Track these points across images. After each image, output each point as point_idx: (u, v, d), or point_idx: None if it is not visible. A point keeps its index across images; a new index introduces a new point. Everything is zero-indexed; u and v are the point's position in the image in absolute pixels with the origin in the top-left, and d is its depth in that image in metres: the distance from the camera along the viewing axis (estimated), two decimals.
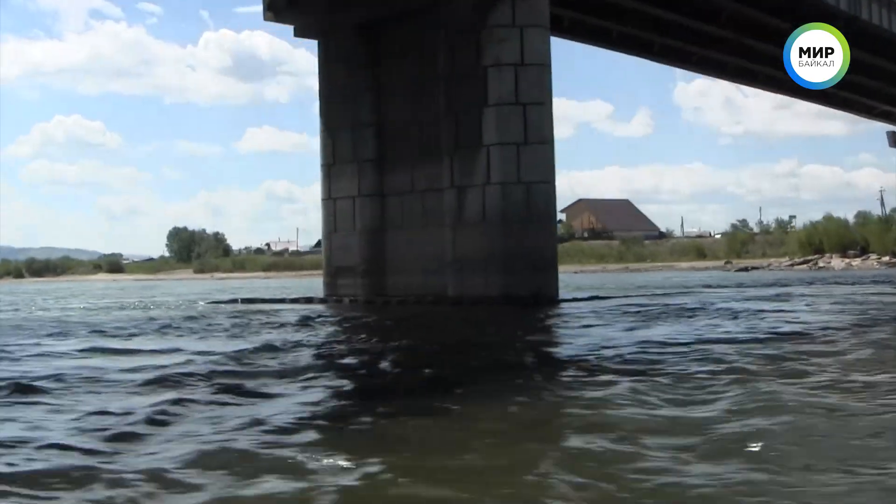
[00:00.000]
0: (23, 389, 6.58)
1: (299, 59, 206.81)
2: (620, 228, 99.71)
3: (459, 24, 22.40)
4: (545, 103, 22.26)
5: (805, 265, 58.84)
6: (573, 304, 19.51)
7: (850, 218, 73.98)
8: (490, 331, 13.04)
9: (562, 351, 8.82)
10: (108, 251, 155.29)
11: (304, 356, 9.13)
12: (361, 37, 24.76)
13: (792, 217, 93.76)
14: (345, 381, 7.35)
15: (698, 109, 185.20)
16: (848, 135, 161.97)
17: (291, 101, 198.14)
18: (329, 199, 25.27)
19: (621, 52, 37.26)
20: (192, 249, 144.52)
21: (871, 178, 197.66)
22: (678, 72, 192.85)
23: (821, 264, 58.05)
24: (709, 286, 29.38)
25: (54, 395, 6.41)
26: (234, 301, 24.51)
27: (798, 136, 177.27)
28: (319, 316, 16.94)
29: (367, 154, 24.51)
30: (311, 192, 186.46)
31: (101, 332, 13.26)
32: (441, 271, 22.96)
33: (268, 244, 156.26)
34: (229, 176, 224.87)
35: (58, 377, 7.23)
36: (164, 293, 37.39)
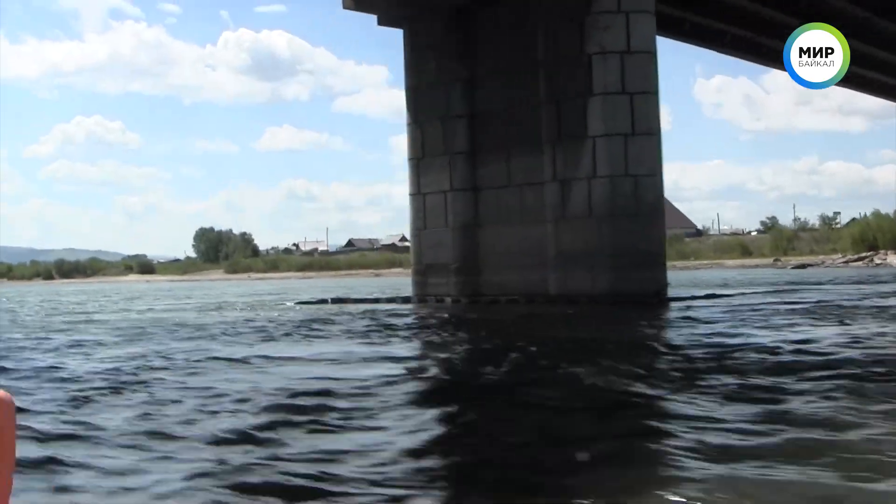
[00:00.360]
0: (329, 408, 5.63)
1: (319, 57, 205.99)
2: None
3: (561, 11, 21.43)
4: (652, 92, 21.28)
5: (860, 262, 57.47)
6: (701, 303, 18.44)
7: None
8: (681, 332, 11.93)
9: (854, 355, 7.80)
10: (130, 251, 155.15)
11: (535, 361, 8.15)
12: (451, 24, 23.81)
13: (836, 213, 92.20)
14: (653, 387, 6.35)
15: (718, 105, 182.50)
16: (869, 131, 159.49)
17: (311, 100, 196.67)
18: (418, 195, 24.31)
19: (693, 43, 36.06)
20: (220, 250, 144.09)
21: (892, 175, 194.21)
22: (698, 67, 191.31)
23: (877, 261, 56.66)
24: (800, 283, 28.18)
25: (375, 416, 5.45)
26: (324, 301, 23.62)
27: (818, 132, 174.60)
28: (452, 316, 16.00)
29: (459, 146, 23.54)
30: (330, 192, 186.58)
31: (243, 336, 12.35)
32: (541, 268, 22.01)
33: (295, 244, 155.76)
34: (248, 175, 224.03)
35: (325, 392, 6.28)
36: (224, 294, 36.54)
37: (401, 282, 50.72)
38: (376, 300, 23.47)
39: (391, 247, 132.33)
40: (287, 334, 12.27)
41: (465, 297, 23.05)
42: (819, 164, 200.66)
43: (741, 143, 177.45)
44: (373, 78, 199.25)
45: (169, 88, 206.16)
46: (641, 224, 20.82)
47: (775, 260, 66.85)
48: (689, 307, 17.01)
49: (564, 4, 21.32)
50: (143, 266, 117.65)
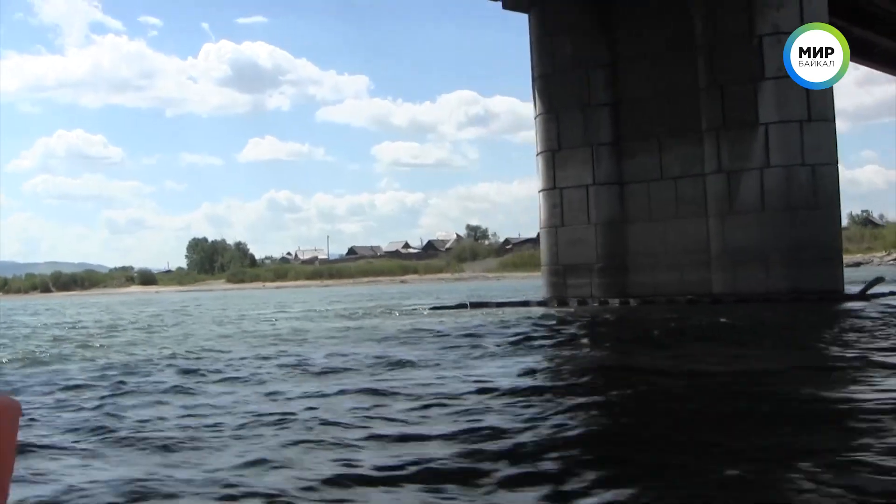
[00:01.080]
0: None
1: (301, 68, 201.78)
2: None
3: None
4: None
5: None
6: None
7: None
8: None
9: None
10: (113, 264, 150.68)
11: None
12: (588, 6, 22.16)
13: (864, 211, 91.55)
14: None
15: None
16: (849, 132, 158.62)
17: (294, 111, 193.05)
18: (553, 189, 22.57)
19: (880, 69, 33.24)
20: (215, 260, 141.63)
21: (873, 175, 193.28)
22: None
23: None
24: None
25: None
26: (463, 306, 21.85)
27: None
28: (648, 318, 14.34)
29: (603, 137, 21.87)
30: (313, 202, 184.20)
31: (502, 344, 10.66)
32: (702, 266, 20.41)
33: (290, 253, 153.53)
34: (232, 187, 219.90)
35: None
36: (296, 303, 34.58)
37: (460, 286, 48.82)
38: (524, 303, 21.68)
39: (395, 254, 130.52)
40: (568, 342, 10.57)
41: (610, 298, 21.37)
42: None
43: None
44: (354, 88, 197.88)
45: (151, 101, 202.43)
46: (820, 216, 19.27)
47: None
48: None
49: None
50: (145, 278, 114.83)
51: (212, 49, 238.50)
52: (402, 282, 73.71)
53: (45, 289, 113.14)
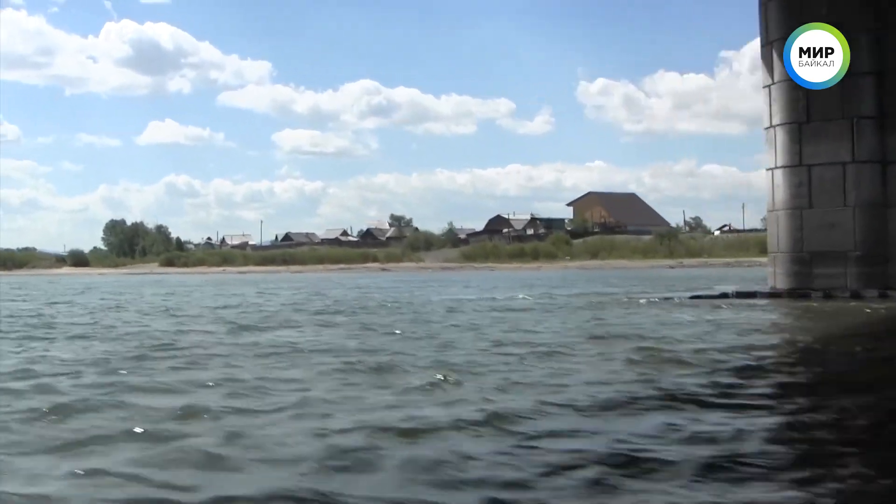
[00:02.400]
0: None
1: (203, 51, 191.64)
2: (630, 222, 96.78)
3: None
4: None
5: None
6: None
7: None
8: None
9: None
10: (7, 246, 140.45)
11: None
12: None
13: None
14: None
15: (600, 108, 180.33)
16: (745, 135, 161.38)
17: (195, 94, 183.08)
18: (798, 167, 20.02)
19: None
20: (136, 243, 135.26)
21: (766, 179, 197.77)
22: (580, 70, 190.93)
23: None
24: None
25: None
26: (725, 296, 19.45)
27: (697, 136, 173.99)
28: None
29: (865, 110, 19.44)
30: (212, 188, 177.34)
31: None
32: None
33: (210, 238, 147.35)
34: (129, 169, 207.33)
35: None
36: (355, 288, 31.24)
37: (502, 276, 45.61)
38: (804, 294, 19.07)
39: (335, 241, 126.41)
40: None
41: (870, 290, 19.04)
42: (697, 168, 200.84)
43: (622, 144, 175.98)
44: (257, 73, 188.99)
45: (49, 79, 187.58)
46: None
47: None
48: None
49: None
50: (77, 259, 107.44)
51: (113, 28, 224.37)
52: (383, 269, 70.10)
53: None
